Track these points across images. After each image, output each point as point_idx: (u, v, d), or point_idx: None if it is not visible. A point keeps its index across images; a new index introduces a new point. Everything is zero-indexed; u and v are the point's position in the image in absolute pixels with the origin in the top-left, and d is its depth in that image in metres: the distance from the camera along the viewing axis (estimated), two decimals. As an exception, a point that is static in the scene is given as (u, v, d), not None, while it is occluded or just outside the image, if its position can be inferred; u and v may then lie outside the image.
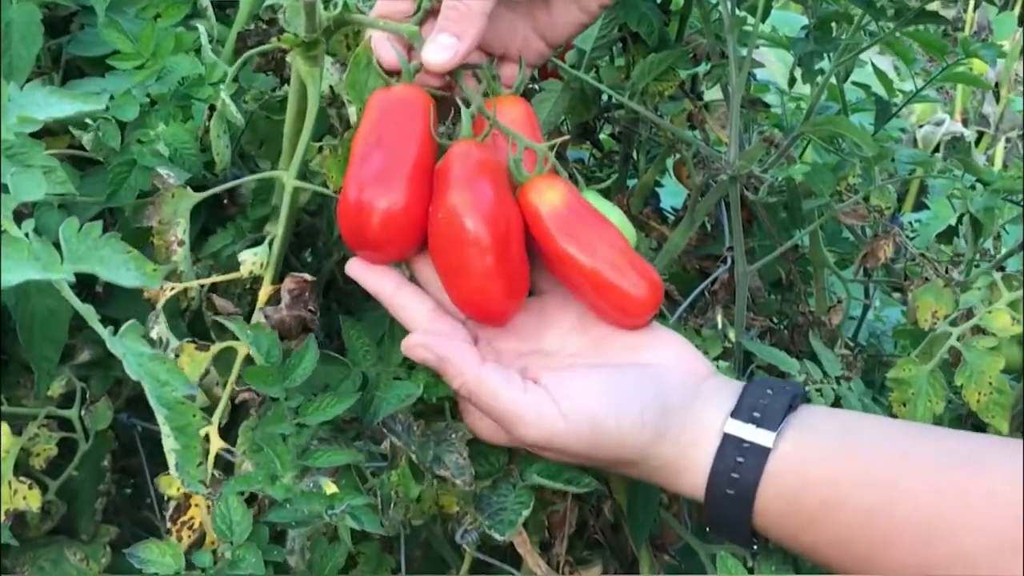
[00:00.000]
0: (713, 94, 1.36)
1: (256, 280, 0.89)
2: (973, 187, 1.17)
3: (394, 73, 0.84)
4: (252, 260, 0.87)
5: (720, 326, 1.10)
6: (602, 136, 1.52)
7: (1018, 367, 1.10)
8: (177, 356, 0.85)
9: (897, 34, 1.16)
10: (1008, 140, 3.31)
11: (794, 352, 1.20)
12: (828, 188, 1.14)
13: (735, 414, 0.80)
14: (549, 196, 0.83)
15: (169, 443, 0.65)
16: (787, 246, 1.19)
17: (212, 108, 0.92)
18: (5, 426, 0.94)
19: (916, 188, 2.56)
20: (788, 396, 0.80)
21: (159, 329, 0.85)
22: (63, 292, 0.60)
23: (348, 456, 0.82)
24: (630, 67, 1.19)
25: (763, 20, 1.14)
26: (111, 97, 0.95)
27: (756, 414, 0.79)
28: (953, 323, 1.00)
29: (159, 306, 0.86)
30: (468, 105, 0.83)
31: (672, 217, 1.47)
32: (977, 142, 3.18)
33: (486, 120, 0.83)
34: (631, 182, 1.44)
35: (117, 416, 1.01)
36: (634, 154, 1.44)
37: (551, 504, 0.96)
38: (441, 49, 0.80)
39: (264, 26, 1.09)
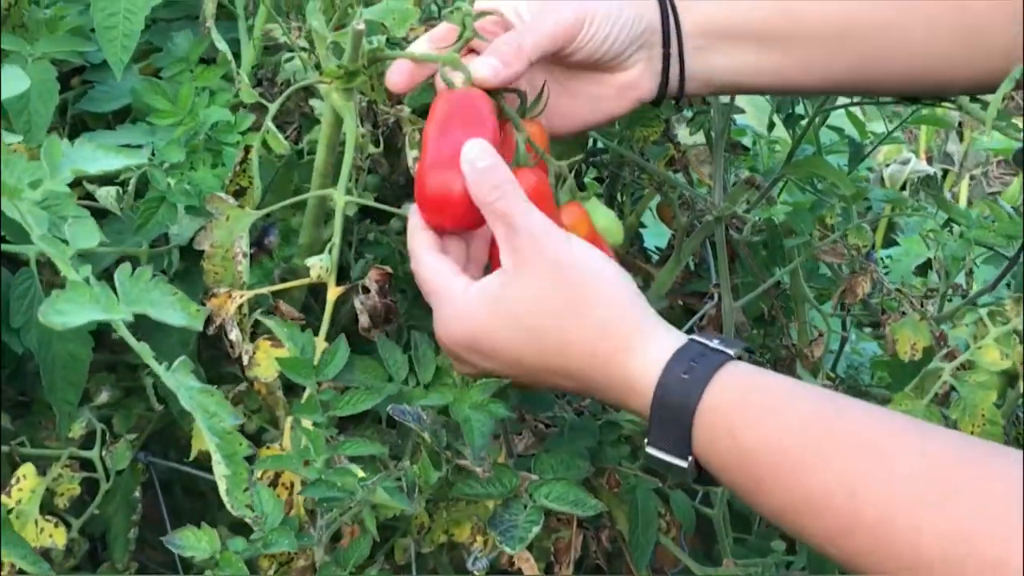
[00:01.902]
0: (683, 136, 1.41)
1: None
2: (945, 224, 1.23)
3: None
4: (319, 266, 0.94)
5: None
6: (586, 180, 1.57)
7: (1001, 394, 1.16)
8: (253, 355, 0.92)
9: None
10: (972, 177, 3.38)
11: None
12: (808, 227, 1.19)
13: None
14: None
15: (220, 469, 0.69)
16: (771, 282, 1.24)
17: (247, 149, 0.98)
18: (31, 467, 0.98)
19: (885, 225, 2.63)
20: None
21: (236, 333, 0.93)
22: (119, 331, 0.65)
23: (374, 448, 0.88)
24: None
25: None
26: (153, 151, 1.02)
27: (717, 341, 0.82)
28: (943, 359, 1.05)
29: (231, 312, 0.93)
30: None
31: (655, 256, 1.53)
32: (941, 180, 3.24)
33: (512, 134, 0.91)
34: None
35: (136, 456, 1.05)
36: (618, 196, 1.49)
37: (556, 531, 1.01)
38: (486, 67, 0.88)
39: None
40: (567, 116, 0.98)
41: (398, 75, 0.92)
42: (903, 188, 2.51)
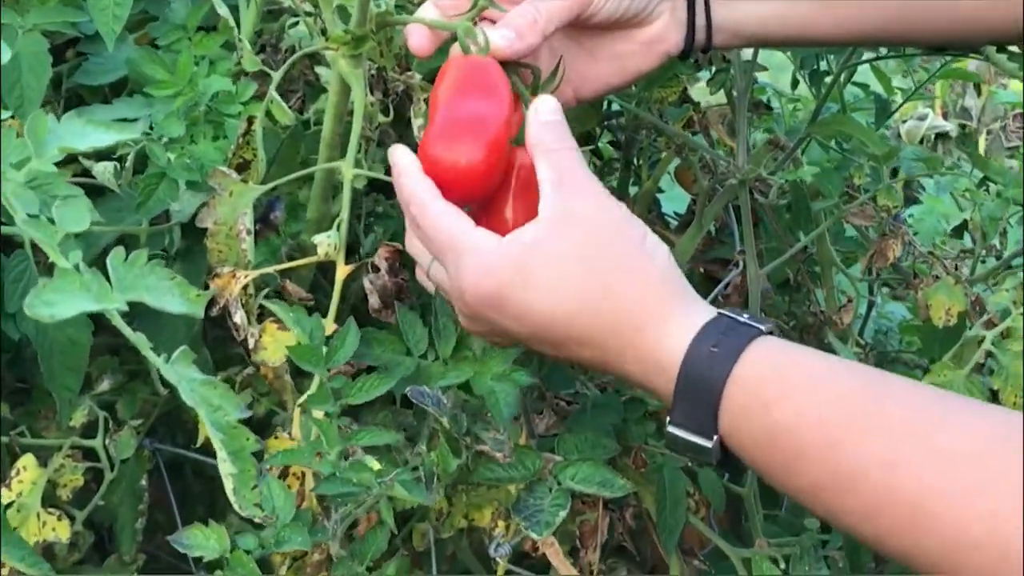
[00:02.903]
0: (700, 97, 1.36)
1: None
2: (981, 183, 1.18)
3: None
4: (327, 243, 0.90)
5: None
6: (600, 144, 1.52)
7: None
8: (259, 338, 0.88)
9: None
10: (989, 132, 3.32)
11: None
12: (837, 189, 1.14)
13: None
14: None
15: (226, 467, 0.65)
16: (798, 247, 1.19)
17: (251, 120, 0.94)
18: (31, 457, 0.94)
19: (901, 184, 2.58)
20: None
21: (240, 315, 0.89)
22: (114, 321, 0.60)
23: (390, 436, 0.84)
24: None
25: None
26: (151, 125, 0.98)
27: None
28: (982, 326, 1.00)
29: (235, 293, 0.89)
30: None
31: (674, 223, 1.48)
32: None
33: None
34: (631, 189, 1.45)
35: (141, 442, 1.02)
36: (635, 160, 1.44)
37: (580, 514, 0.97)
38: (500, 38, 0.85)
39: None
40: (593, 79, 0.94)
41: (419, 38, 0.87)
42: (920, 144, 2.47)
